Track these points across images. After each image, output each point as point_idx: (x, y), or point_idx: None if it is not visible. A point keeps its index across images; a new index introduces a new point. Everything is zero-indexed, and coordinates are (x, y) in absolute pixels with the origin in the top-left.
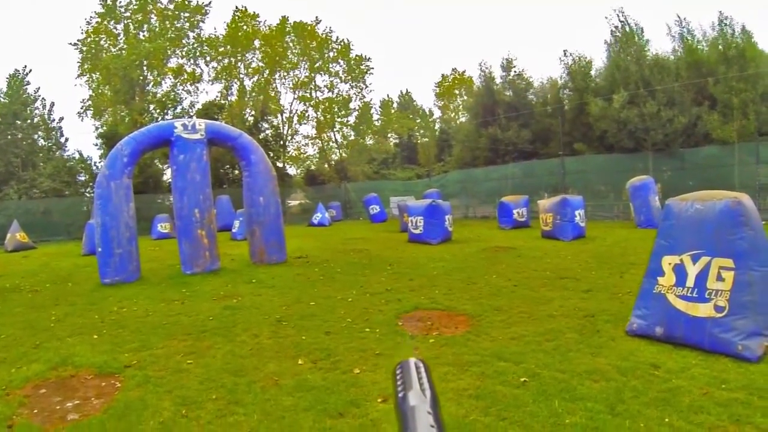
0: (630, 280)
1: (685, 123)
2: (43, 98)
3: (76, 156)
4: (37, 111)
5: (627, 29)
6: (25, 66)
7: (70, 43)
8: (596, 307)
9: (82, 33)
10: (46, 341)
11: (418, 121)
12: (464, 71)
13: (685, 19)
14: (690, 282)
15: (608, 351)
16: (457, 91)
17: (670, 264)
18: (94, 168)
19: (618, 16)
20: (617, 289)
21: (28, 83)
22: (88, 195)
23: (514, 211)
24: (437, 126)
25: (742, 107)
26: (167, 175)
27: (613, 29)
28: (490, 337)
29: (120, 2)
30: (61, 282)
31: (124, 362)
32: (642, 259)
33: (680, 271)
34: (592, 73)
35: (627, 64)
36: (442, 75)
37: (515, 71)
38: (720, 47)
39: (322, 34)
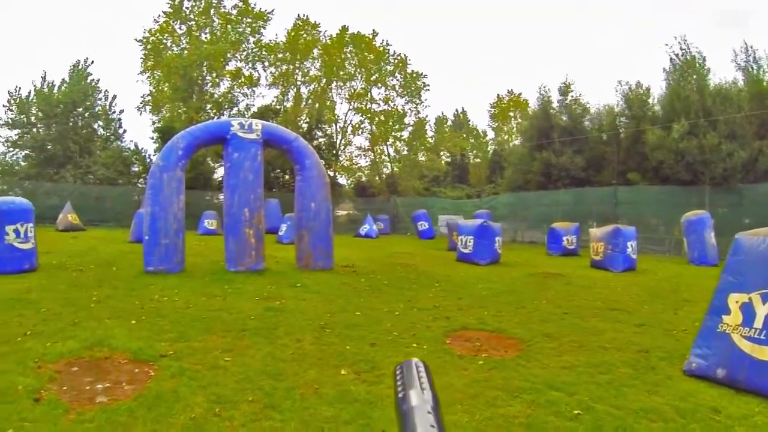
0: (684, 317)
1: (746, 157)
2: (106, 90)
3: (132, 147)
4: (99, 102)
5: (688, 57)
6: (87, 57)
7: (136, 39)
8: (650, 342)
9: (145, 31)
10: (84, 320)
11: (471, 141)
12: (520, 93)
13: (752, 47)
14: (758, 323)
15: (665, 390)
16: (511, 113)
17: (737, 302)
18: (148, 160)
19: (680, 43)
20: (671, 325)
21: (90, 74)
22: (140, 185)
23: (564, 238)
24: (490, 147)
25: None
26: (218, 174)
27: (673, 57)
28: (541, 363)
29: (186, 4)
30: (105, 265)
31: (160, 351)
32: (696, 296)
33: (748, 311)
34: (650, 101)
35: (688, 93)
36: (498, 96)
37: (572, 96)
38: None
39: (379, 47)
